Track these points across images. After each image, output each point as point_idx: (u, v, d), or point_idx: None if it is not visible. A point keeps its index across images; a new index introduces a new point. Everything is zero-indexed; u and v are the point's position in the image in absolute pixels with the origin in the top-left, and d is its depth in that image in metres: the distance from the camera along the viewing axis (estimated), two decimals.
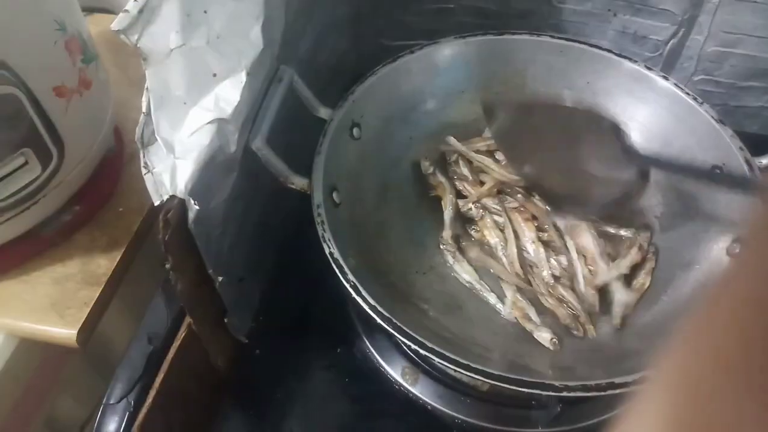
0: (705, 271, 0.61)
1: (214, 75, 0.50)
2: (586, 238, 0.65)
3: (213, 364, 0.62)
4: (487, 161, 0.72)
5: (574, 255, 0.64)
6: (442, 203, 0.70)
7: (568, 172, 0.68)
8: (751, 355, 0.17)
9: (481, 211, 0.69)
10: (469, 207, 0.69)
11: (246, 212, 0.60)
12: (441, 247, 0.67)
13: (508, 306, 0.62)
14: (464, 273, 0.65)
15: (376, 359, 0.65)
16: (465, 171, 0.72)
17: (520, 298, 0.63)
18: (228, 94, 0.50)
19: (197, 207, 0.46)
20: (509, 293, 0.63)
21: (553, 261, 0.65)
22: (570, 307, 0.62)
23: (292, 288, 0.70)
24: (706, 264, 0.61)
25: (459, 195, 0.71)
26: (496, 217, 0.68)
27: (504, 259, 0.66)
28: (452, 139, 0.74)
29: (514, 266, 0.65)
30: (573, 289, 0.63)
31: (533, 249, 0.65)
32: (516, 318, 0.62)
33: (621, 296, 0.62)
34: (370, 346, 0.66)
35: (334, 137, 0.63)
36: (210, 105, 0.49)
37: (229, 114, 0.49)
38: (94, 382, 0.80)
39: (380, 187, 0.70)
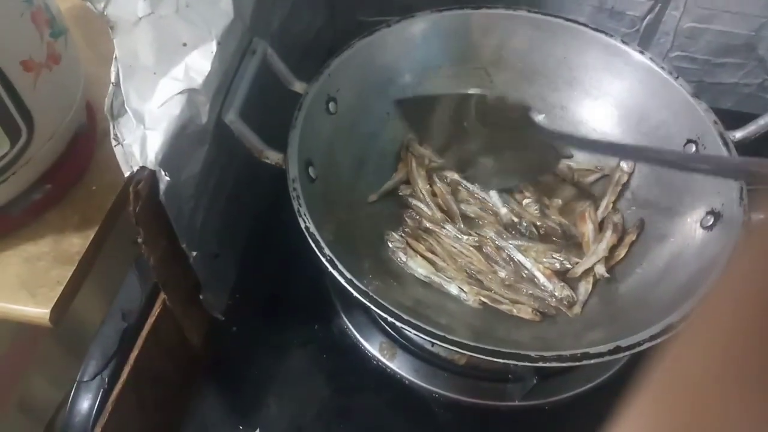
0: (679, 243, 0.61)
1: (184, 44, 0.49)
2: (587, 225, 0.66)
3: (188, 341, 0.62)
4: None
5: (528, 264, 0.64)
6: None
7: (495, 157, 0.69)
8: (745, 357, 0.17)
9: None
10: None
11: (219, 186, 0.59)
12: (390, 245, 0.65)
13: (471, 295, 0.61)
14: (419, 268, 0.63)
15: (354, 335, 0.65)
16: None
17: (480, 289, 0.62)
18: (198, 64, 0.49)
19: (168, 178, 0.45)
20: (466, 287, 0.62)
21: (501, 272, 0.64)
22: (537, 295, 0.62)
23: (269, 265, 0.69)
24: (680, 237, 0.61)
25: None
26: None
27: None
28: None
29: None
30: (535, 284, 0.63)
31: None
32: (483, 304, 0.62)
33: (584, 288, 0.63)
34: (347, 322, 0.66)
35: (310, 111, 0.62)
36: (180, 75, 0.48)
37: (199, 84, 0.49)
38: (68, 362, 0.79)
39: (356, 162, 0.69)
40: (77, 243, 0.68)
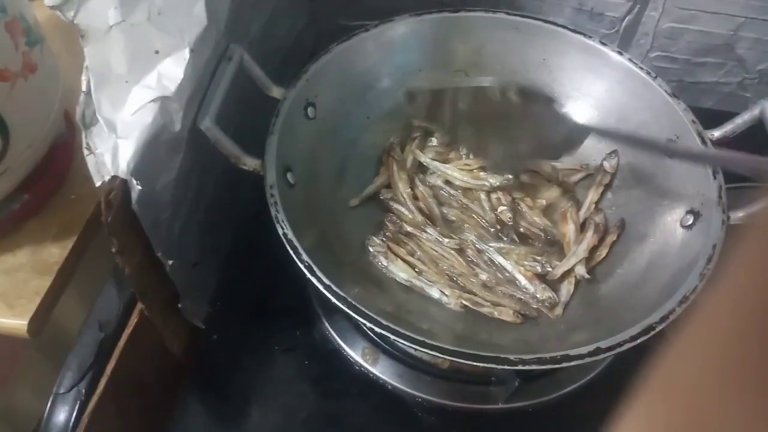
0: (660, 243, 0.61)
1: (156, 52, 0.48)
2: (568, 226, 0.66)
3: (169, 350, 0.61)
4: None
5: (509, 267, 0.63)
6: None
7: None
8: (744, 357, 0.17)
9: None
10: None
11: (198, 194, 0.59)
12: (371, 249, 0.65)
13: (453, 298, 0.61)
14: (400, 272, 0.63)
15: (336, 341, 0.65)
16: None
17: (462, 292, 0.62)
18: (171, 71, 0.49)
19: (140, 187, 0.45)
20: (447, 290, 0.62)
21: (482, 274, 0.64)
22: (519, 297, 0.62)
23: (250, 271, 0.69)
24: (660, 236, 0.61)
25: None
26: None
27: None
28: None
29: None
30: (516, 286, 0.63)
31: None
32: (465, 307, 0.61)
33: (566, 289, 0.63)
34: (329, 328, 0.65)
35: (288, 117, 0.62)
36: (152, 83, 0.48)
37: (172, 92, 0.48)
38: (52, 373, 0.78)
39: (337, 167, 0.69)
40: (56, 253, 0.67)
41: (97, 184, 0.45)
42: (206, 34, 0.52)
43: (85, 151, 0.46)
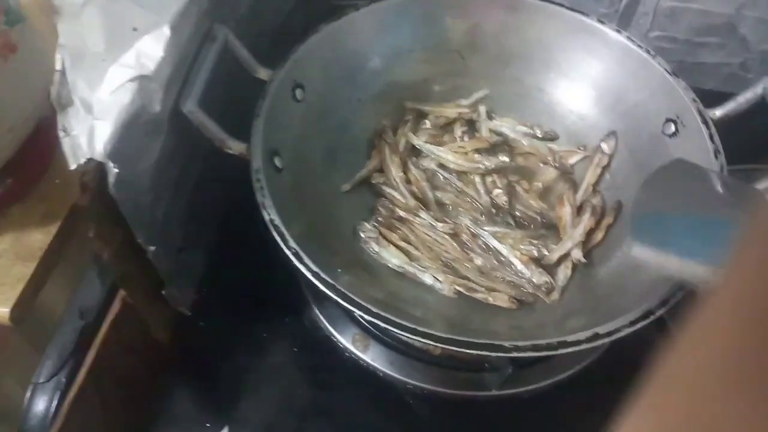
0: None
1: (135, 29, 0.46)
2: (564, 209, 0.64)
3: (154, 337, 0.60)
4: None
5: (504, 251, 0.62)
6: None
7: None
8: (746, 357, 0.17)
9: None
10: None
11: (182, 178, 0.57)
12: (362, 235, 0.63)
13: (447, 284, 0.59)
14: (392, 258, 0.61)
15: (326, 327, 0.63)
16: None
17: (456, 278, 0.60)
18: (150, 49, 0.47)
19: (116, 170, 0.43)
20: (441, 276, 0.60)
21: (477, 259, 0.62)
22: (515, 283, 0.60)
23: (239, 257, 0.67)
24: None
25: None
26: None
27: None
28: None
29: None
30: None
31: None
32: (459, 293, 0.60)
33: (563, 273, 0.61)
34: (319, 315, 0.64)
35: (275, 99, 0.60)
36: (131, 61, 0.46)
37: (151, 71, 0.46)
38: (38, 363, 0.77)
39: (327, 151, 0.67)
40: (40, 239, 0.65)
41: (72, 167, 0.43)
42: (187, 11, 0.50)
43: (61, 133, 0.44)
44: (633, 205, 0.51)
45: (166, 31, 0.47)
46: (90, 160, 0.43)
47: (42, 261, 0.64)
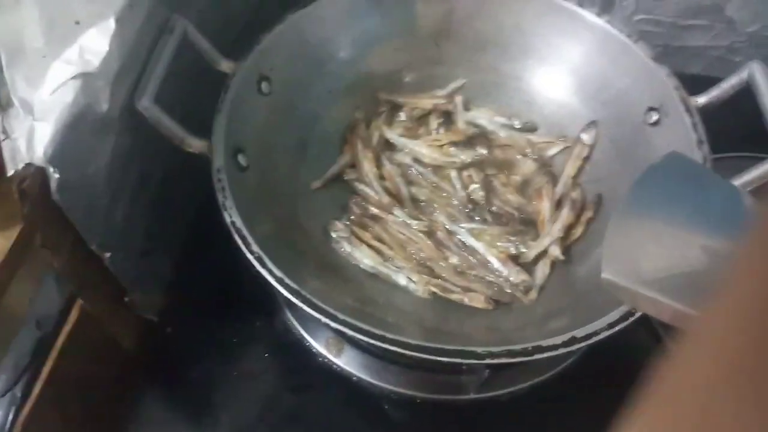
0: None
1: (77, 23, 0.43)
2: (543, 203, 0.62)
3: (120, 345, 0.57)
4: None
5: (480, 249, 0.59)
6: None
7: None
8: (754, 358, 0.17)
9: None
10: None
11: (142, 179, 0.55)
12: (333, 235, 0.60)
13: (421, 285, 0.57)
14: (365, 258, 0.59)
15: (299, 331, 0.61)
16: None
17: (430, 278, 0.58)
18: (94, 44, 0.44)
19: (57, 175, 0.40)
20: (415, 276, 0.58)
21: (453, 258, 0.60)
22: (492, 281, 0.58)
23: (208, 259, 0.65)
24: None
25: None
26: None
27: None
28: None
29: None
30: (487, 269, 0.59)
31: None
32: (433, 294, 0.58)
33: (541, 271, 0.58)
34: (291, 318, 0.61)
35: (239, 93, 0.57)
36: (73, 57, 0.43)
37: (96, 67, 0.43)
38: None
39: (297, 147, 0.64)
40: None
41: (10, 173, 0.40)
42: (134, 1, 0.46)
43: (1, 136, 0.42)
44: (610, 221, 0.47)
45: (111, 23, 0.44)
46: (29, 164, 0.40)
47: (1, 267, 0.61)
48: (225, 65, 0.58)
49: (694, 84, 0.59)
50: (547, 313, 0.55)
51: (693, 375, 0.19)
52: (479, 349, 0.45)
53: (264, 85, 0.60)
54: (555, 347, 0.46)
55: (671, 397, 0.20)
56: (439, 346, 0.45)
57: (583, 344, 0.46)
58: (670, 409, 0.19)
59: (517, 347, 0.46)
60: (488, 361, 0.45)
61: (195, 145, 0.52)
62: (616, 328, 0.46)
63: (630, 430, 0.20)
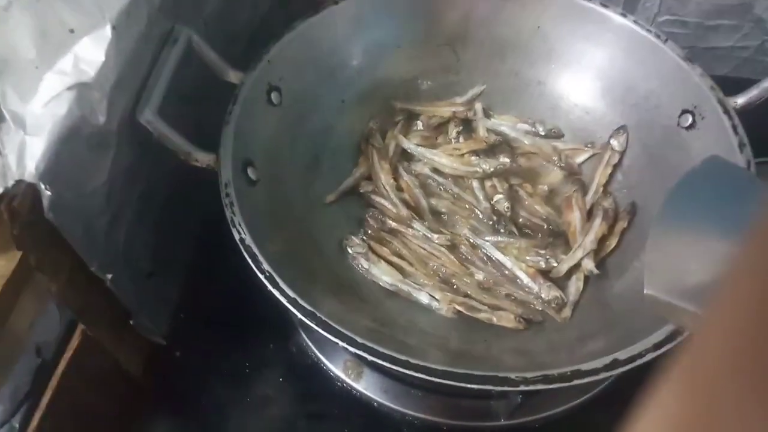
0: None
1: (71, 31, 0.41)
2: (573, 214, 0.58)
3: (125, 372, 0.54)
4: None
5: (508, 263, 0.56)
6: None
7: None
8: (759, 356, 0.17)
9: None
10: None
11: (147, 196, 0.52)
12: (350, 251, 0.57)
13: (444, 303, 0.54)
14: (384, 275, 0.55)
15: (315, 354, 0.58)
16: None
17: (454, 295, 0.54)
18: (90, 53, 0.41)
19: (49, 192, 0.37)
20: (438, 294, 0.54)
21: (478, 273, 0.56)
22: (522, 299, 0.54)
23: (216, 278, 0.62)
24: None
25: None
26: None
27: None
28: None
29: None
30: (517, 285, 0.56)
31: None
32: (458, 313, 0.54)
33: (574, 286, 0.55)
34: (307, 340, 0.58)
35: (248, 104, 0.54)
36: (68, 68, 0.40)
37: (91, 77, 0.41)
38: None
39: (309, 159, 0.61)
40: (2, 265, 0.60)
41: None
42: (132, 8, 0.44)
43: None
44: (650, 230, 0.43)
45: (108, 31, 0.42)
46: (19, 182, 0.37)
47: (4, 289, 0.59)
48: (233, 75, 0.55)
49: (723, 86, 0.56)
50: (581, 335, 0.51)
51: (703, 364, 0.19)
52: (513, 375, 0.42)
53: (274, 96, 0.58)
54: (596, 371, 0.42)
55: (679, 391, 0.19)
56: (467, 371, 0.42)
57: (626, 367, 0.42)
58: (679, 404, 0.19)
59: (554, 372, 0.42)
60: (523, 387, 0.41)
61: (202, 158, 0.50)
62: (663, 349, 0.42)
63: (643, 421, 0.20)
